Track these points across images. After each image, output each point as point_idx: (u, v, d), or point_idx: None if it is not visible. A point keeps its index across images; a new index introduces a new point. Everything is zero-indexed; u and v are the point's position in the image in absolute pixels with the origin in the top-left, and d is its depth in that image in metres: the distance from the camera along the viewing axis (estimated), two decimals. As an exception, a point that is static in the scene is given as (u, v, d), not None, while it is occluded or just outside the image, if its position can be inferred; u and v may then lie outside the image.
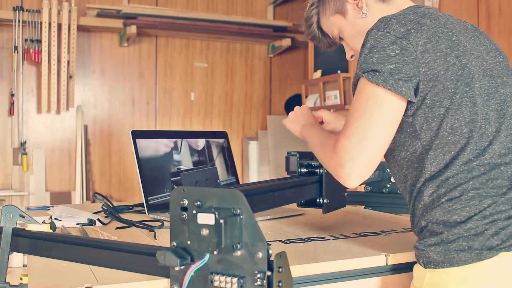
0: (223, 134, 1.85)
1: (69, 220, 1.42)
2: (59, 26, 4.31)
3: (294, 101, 5.04)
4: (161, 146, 1.66)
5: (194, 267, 0.76)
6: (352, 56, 1.24)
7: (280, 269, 0.73)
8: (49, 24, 4.26)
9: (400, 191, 1.11)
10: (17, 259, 3.78)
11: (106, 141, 4.70)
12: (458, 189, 0.95)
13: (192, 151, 1.74)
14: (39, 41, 4.29)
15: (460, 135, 0.96)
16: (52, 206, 1.67)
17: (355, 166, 0.94)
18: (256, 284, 0.73)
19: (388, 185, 1.72)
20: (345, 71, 3.89)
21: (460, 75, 0.97)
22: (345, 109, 3.82)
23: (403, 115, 0.99)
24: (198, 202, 0.76)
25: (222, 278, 0.75)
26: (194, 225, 0.75)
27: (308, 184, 1.29)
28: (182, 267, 0.76)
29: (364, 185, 1.72)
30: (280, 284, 0.72)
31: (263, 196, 1.08)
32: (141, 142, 1.61)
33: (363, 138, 0.94)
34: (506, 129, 1.00)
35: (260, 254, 0.73)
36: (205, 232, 0.74)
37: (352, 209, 1.75)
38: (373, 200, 1.75)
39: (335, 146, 0.97)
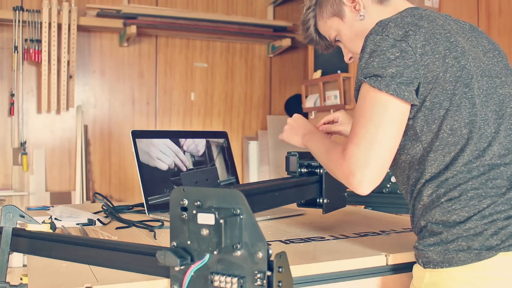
0: (223, 134, 1.85)
1: (69, 220, 1.42)
2: (59, 26, 4.31)
3: (294, 101, 5.05)
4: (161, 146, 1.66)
5: (194, 267, 0.76)
6: (350, 58, 1.23)
7: (280, 269, 0.73)
8: (49, 24, 4.26)
9: (401, 192, 1.11)
10: (17, 259, 3.78)
11: (106, 141, 4.70)
12: (457, 189, 0.95)
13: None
14: (39, 41, 4.29)
15: (460, 136, 0.96)
16: (52, 206, 1.67)
17: (366, 172, 0.93)
18: (256, 284, 0.73)
19: (388, 185, 1.72)
20: (345, 71, 3.89)
21: (459, 76, 0.97)
22: (345, 109, 3.82)
23: None
24: (198, 202, 0.76)
25: (222, 278, 0.75)
26: (194, 225, 0.75)
27: (308, 184, 1.29)
28: (182, 267, 0.76)
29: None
30: (280, 284, 0.72)
31: (263, 196, 1.08)
32: (141, 142, 1.61)
33: (372, 144, 0.93)
34: (505, 130, 1.00)
35: (260, 254, 0.73)
36: (205, 232, 0.74)
37: (352, 209, 1.75)
38: (373, 200, 1.75)
39: (344, 154, 0.96)
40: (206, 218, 0.74)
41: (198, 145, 1.75)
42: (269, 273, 0.73)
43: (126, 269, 0.92)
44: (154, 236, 1.27)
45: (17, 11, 4.24)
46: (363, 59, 0.98)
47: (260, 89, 5.26)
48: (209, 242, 0.74)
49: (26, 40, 4.30)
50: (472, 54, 1.02)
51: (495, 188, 0.95)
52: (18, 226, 1.07)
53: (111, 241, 1.10)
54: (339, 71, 3.93)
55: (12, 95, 4.35)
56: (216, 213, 0.73)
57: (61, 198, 4.43)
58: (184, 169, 1.69)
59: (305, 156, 1.35)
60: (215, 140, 1.82)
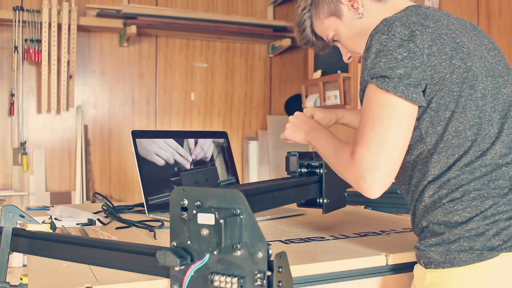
0: (223, 134, 1.85)
1: (69, 220, 1.42)
2: (59, 26, 4.31)
3: (294, 101, 5.05)
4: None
5: (194, 267, 0.76)
6: (349, 58, 1.22)
7: (280, 269, 0.72)
8: (49, 24, 4.26)
9: (400, 192, 1.10)
10: (17, 259, 3.78)
11: (106, 141, 4.70)
12: (459, 190, 0.95)
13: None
14: (39, 41, 4.29)
15: (464, 138, 0.96)
16: (52, 206, 1.67)
17: (377, 176, 0.91)
18: (256, 284, 0.73)
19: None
20: (345, 71, 3.89)
21: (465, 77, 0.96)
22: (345, 109, 3.82)
23: None
24: (198, 202, 0.76)
25: (222, 278, 0.75)
26: (194, 225, 0.75)
27: (308, 184, 1.29)
28: (182, 267, 0.76)
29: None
30: (280, 284, 0.72)
31: (263, 196, 1.08)
32: (141, 142, 1.61)
33: (382, 147, 0.92)
34: (508, 129, 1.00)
35: (260, 254, 0.73)
36: (205, 232, 0.74)
37: (352, 209, 1.74)
38: (373, 200, 1.74)
39: (353, 157, 0.94)
40: (206, 218, 0.74)
41: (207, 152, 1.75)
42: (269, 273, 0.72)
43: (126, 269, 0.92)
44: (154, 236, 1.26)
45: (17, 11, 4.24)
46: (369, 59, 0.96)
47: (260, 89, 5.26)
48: (209, 242, 0.74)
49: (26, 40, 4.30)
50: (478, 54, 1.01)
51: (497, 188, 0.95)
52: (18, 226, 1.07)
53: (111, 241, 1.10)
54: (339, 71, 3.93)
55: (12, 95, 4.35)
56: (216, 213, 0.73)
57: (61, 198, 4.43)
58: (188, 166, 1.69)
59: (305, 156, 1.35)
60: (215, 140, 1.82)
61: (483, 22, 3.09)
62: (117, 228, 1.38)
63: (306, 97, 4.33)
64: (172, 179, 1.65)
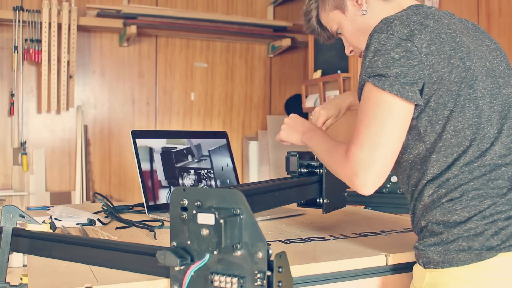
0: (223, 134, 1.85)
1: (69, 220, 1.42)
2: (59, 26, 4.31)
3: (294, 101, 5.05)
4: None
5: (194, 267, 0.76)
6: (351, 51, 1.23)
7: (280, 269, 0.73)
8: (49, 24, 4.26)
9: (401, 191, 1.11)
10: (17, 259, 3.78)
11: (106, 141, 4.70)
12: (458, 190, 0.95)
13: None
14: (39, 41, 4.29)
15: (463, 137, 0.96)
16: (52, 206, 1.67)
17: (370, 174, 0.93)
18: (256, 284, 0.73)
19: (388, 185, 1.72)
20: (345, 71, 3.89)
21: (464, 77, 0.96)
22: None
23: None
24: (198, 202, 0.76)
25: (222, 278, 0.75)
26: (194, 225, 0.75)
27: (308, 184, 1.29)
28: (182, 267, 0.76)
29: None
30: (280, 284, 0.72)
31: (263, 196, 1.08)
32: (141, 142, 1.61)
33: (376, 146, 0.93)
34: (508, 129, 1.00)
35: (260, 254, 0.73)
36: (205, 232, 0.74)
37: (352, 209, 1.75)
38: (373, 200, 1.75)
39: (347, 155, 0.95)
40: (206, 218, 0.74)
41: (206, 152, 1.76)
42: (269, 273, 0.73)
43: (126, 269, 0.92)
44: (154, 236, 1.27)
45: (17, 11, 4.24)
46: (367, 57, 0.97)
47: (260, 89, 5.26)
48: (209, 242, 0.74)
49: (26, 40, 4.30)
50: (478, 54, 1.01)
51: (496, 188, 0.95)
52: (18, 226, 1.07)
53: (111, 241, 1.10)
54: (339, 71, 3.93)
55: (12, 95, 4.35)
56: (216, 213, 0.73)
57: (61, 198, 4.43)
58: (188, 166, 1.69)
59: (305, 156, 1.35)
60: (215, 140, 1.82)
61: (483, 22, 3.09)
62: (117, 228, 1.38)
63: (306, 97, 4.33)
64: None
